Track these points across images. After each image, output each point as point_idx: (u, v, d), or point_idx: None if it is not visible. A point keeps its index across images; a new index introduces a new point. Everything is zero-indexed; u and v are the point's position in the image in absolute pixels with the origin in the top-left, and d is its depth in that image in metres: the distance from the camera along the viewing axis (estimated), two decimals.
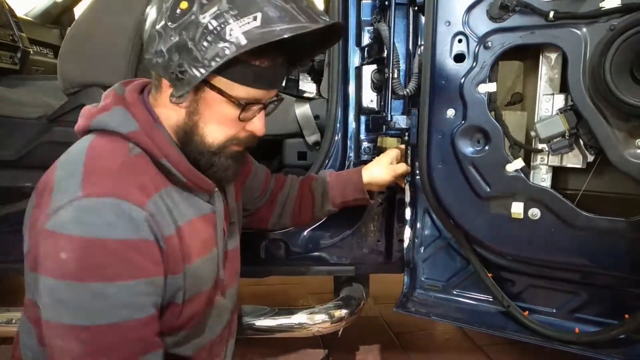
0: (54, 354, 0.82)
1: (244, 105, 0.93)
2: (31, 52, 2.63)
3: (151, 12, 0.90)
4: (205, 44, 0.83)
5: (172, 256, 0.90)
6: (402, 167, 1.38)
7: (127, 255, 0.82)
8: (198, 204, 1.00)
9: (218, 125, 0.95)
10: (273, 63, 0.92)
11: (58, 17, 3.15)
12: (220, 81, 0.90)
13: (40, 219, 0.83)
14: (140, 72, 1.70)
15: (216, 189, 1.03)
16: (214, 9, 0.83)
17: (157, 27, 0.87)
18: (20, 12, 2.82)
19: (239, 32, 0.82)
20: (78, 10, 3.20)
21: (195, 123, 0.94)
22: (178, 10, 0.84)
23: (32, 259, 0.85)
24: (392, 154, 1.38)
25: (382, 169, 1.36)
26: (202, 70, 0.85)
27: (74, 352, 0.80)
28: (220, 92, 0.90)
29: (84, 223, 0.79)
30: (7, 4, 2.55)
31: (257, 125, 0.99)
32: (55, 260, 0.80)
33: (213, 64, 0.84)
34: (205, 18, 0.83)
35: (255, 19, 0.83)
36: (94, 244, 0.79)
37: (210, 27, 0.83)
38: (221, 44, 0.83)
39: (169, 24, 0.85)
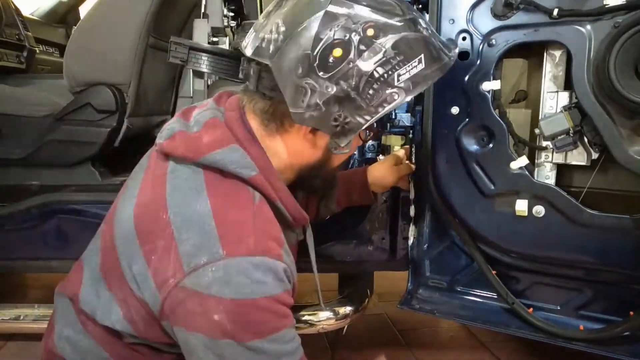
0: None
1: (373, 130, 0.96)
2: (37, 51, 2.64)
3: (286, 60, 0.81)
4: (370, 92, 0.81)
5: (293, 296, 0.91)
6: (406, 169, 1.37)
7: (277, 308, 0.82)
8: (292, 235, 1.02)
9: (346, 154, 0.96)
10: None
11: (64, 16, 3.16)
12: None
13: (169, 273, 0.81)
14: (145, 69, 1.71)
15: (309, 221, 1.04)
16: (379, 56, 0.80)
17: (306, 78, 0.80)
18: (26, 12, 2.84)
19: (407, 77, 0.82)
20: (83, 9, 3.22)
21: (330, 157, 0.94)
22: (331, 59, 0.79)
23: (164, 312, 0.83)
24: (397, 155, 1.38)
25: (386, 171, 1.36)
26: (367, 117, 0.83)
27: None
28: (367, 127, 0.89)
29: (234, 284, 0.78)
30: (13, 3, 2.56)
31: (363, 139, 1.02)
32: (208, 320, 0.79)
33: (380, 109, 0.83)
34: (369, 66, 0.80)
35: (419, 61, 0.83)
36: (246, 305, 0.79)
37: (377, 75, 0.81)
38: (389, 90, 0.82)
39: (321, 74, 0.79)
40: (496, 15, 1.19)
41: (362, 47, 0.79)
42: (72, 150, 1.65)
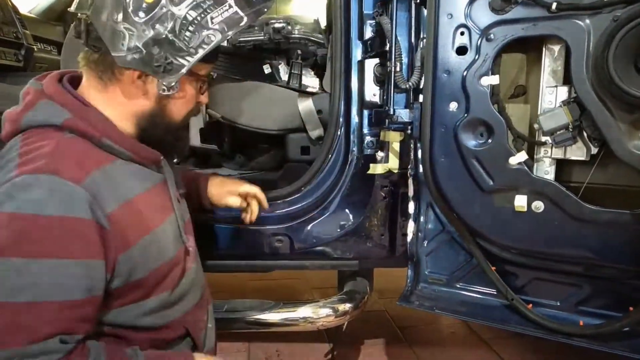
0: None
1: (207, 81, 1.02)
2: (35, 49, 2.63)
3: (103, 9, 0.87)
4: (187, 34, 0.89)
5: (120, 232, 0.88)
6: (235, 203, 1.33)
7: (57, 233, 0.80)
8: (148, 175, 1.01)
9: (184, 104, 1.01)
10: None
11: (62, 14, 3.14)
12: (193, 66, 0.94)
13: None
14: None
15: (162, 158, 1.04)
16: (189, 1, 0.88)
17: (122, 23, 0.86)
18: (24, 9, 2.83)
19: (219, 19, 0.90)
20: None
21: (163, 106, 0.98)
22: (144, 5, 0.86)
23: None
24: (249, 192, 1.33)
25: (222, 194, 1.33)
26: (189, 59, 0.91)
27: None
28: (193, 74, 0.97)
29: (15, 199, 0.78)
30: (10, 1, 2.55)
31: (205, 96, 1.08)
32: None
33: (200, 51, 0.91)
34: (182, 10, 0.88)
35: (230, 5, 0.91)
36: (23, 219, 0.77)
37: (190, 18, 0.88)
38: (205, 32, 0.90)
39: (137, 18, 0.86)
40: (494, 10, 1.18)
41: None
42: None
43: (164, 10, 0.87)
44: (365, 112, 1.51)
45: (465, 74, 1.22)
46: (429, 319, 2.16)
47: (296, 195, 1.55)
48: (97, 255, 0.84)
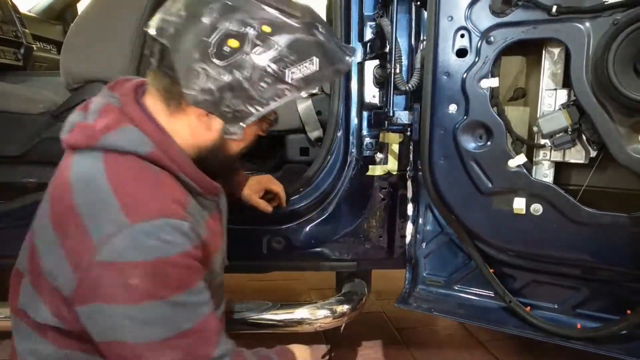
0: None
1: (271, 122, 1.03)
2: (34, 48, 2.63)
3: (184, 43, 0.85)
4: (263, 84, 0.87)
5: (205, 252, 0.96)
6: (260, 205, 1.44)
7: (188, 264, 0.87)
8: (208, 205, 1.05)
9: (244, 141, 1.01)
10: None
11: (61, 13, 3.15)
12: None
13: (83, 253, 0.83)
14: (143, 67, 1.70)
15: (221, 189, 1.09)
16: (273, 53, 0.85)
17: (200, 63, 0.84)
18: (23, 8, 2.83)
19: (299, 76, 0.88)
20: (81, 6, 3.20)
21: (224, 142, 0.98)
22: (227, 48, 0.84)
23: (80, 293, 0.85)
24: (278, 191, 1.47)
25: (254, 192, 1.43)
26: (259, 108, 0.89)
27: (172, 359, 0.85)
28: (258, 119, 0.94)
29: (144, 247, 0.82)
30: (10, 0, 2.55)
31: (264, 128, 1.07)
32: (126, 287, 0.81)
33: (272, 103, 0.89)
34: (263, 61, 0.85)
35: (312, 63, 0.88)
36: (159, 264, 0.83)
37: (270, 70, 0.86)
38: (281, 86, 0.88)
39: (216, 61, 0.84)
40: (495, 12, 1.18)
41: (258, 42, 0.84)
42: None
43: (245, 57, 0.85)
44: (365, 114, 1.51)
45: (465, 76, 1.22)
46: (427, 321, 2.16)
47: (295, 196, 1.55)
48: (205, 270, 0.95)
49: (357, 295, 1.62)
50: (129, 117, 0.92)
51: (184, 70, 0.86)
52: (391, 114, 1.36)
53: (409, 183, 1.47)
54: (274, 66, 0.86)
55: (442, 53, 1.24)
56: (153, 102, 0.95)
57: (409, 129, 1.38)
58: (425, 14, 1.27)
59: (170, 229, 0.84)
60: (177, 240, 0.85)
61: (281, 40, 0.85)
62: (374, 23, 1.47)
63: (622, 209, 1.14)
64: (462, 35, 1.22)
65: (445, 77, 1.24)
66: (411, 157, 1.44)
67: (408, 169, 1.48)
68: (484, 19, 1.20)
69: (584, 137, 1.16)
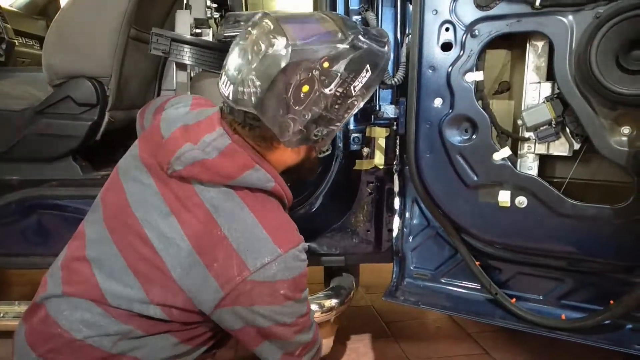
0: (300, 344, 1.08)
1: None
2: (16, 43, 2.59)
3: (269, 107, 0.97)
4: (337, 107, 1.01)
5: None
6: None
7: (306, 280, 1.07)
8: None
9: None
10: None
11: (44, 8, 3.11)
12: None
13: (232, 273, 0.98)
14: (126, 61, 1.69)
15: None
16: (337, 80, 0.99)
17: (287, 116, 0.98)
18: (5, 3, 2.78)
19: (360, 86, 1.02)
20: (64, 1, 3.16)
21: (309, 154, 1.15)
22: (302, 95, 0.97)
23: (227, 301, 0.99)
24: None
25: None
26: (338, 124, 1.05)
27: (309, 331, 1.10)
28: None
29: (292, 268, 1.01)
30: None
31: None
32: (276, 296, 1.00)
33: (346, 115, 1.05)
34: (332, 90, 0.99)
35: (367, 71, 1.02)
36: (301, 276, 1.03)
37: (338, 94, 1.00)
38: (350, 100, 1.02)
39: (297, 107, 0.98)
40: (479, 6, 1.19)
41: (323, 78, 0.97)
42: (53, 144, 1.62)
43: (318, 94, 0.98)
44: None
45: (450, 70, 1.22)
46: (415, 314, 2.17)
47: None
48: None
49: (346, 290, 1.62)
50: (254, 160, 1.06)
51: (276, 127, 1.00)
52: (377, 108, 1.36)
53: (396, 177, 1.47)
54: (340, 89, 1.00)
55: (427, 47, 1.24)
56: (246, 145, 1.07)
57: (395, 123, 1.38)
58: (410, 7, 1.27)
59: (303, 249, 1.05)
60: (306, 259, 1.05)
61: (340, 67, 0.98)
62: (359, 17, 1.46)
63: (606, 201, 1.15)
64: (447, 29, 1.22)
65: (430, 71, 1.24)
66: (397, 151, 1.44)
67: (395, 163, 1.48)
68: (469, 12, 1.20)
69: (568, 130, 1.17)
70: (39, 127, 1.61)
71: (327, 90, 0.98)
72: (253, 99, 0.97)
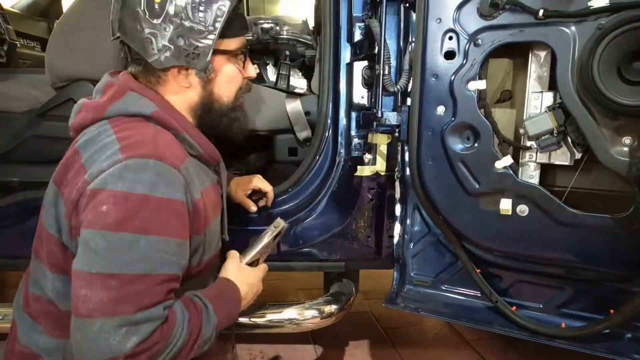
0: (77, 304, 0.84)
1: (244, 56, 1.07)
2: (18, 45, 2.58)
3: (127, 24, 0.95)
4: (200, 14, 0.94)
5: (197, 219, 0.97)
6: (245, 203, 1.45)
7: (164, 213, 0.88)
8: (209, 173, 1.10)
9: (228, 84, 1.07)
10: (239, 7, 1.05)
11: (46, 10, 3.11)
12: (220, 43, 1.01)
13: (76, 189, 0.89)
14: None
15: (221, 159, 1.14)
16: None
17: (145, 31, 0.94)
18: (6, 4, 2.78)
19: None
20: (66, 3, 3.16)
21: (210, 91, 1.05)
22: (156, 6, 0.93)
23: (67, 233, 0.91)
24: (266, 190, 1.48)
25: (237, 188, 1.45)
26: (211, 37, 0.96)
27: (98, 299, 0.82)
28: (225, 52, 1.03)
29: (127, 179, 0.86)
30: None
31: (251, 69, 1.12)
32: (95, 213, 0.85)
33: (217, 24, 0.96)
34: None
35: None
36: (134, 198, 0.85)
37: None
38: (215, 5, 0.95)
39: (155, 21, 0.93)
40: (482, 15, 1.19)
41: None
42: (54, 147, 1.61)
43: (174, 2, 0.93)
44: (353, 115, 1.52)
45: (452, 78, 1.23)
46: (413, 320, 2.17)
47: (283, 197, 1.55)
48: (187, 236, 0.94)
49: (345, 296, 1.62)
50: (130, 87, 0.99)
51: (139, 46, 0.95)
52: (379, 115, 1.36)
53: (397, 184, 1.48)
54: None
55: (430, 55, 1.24)
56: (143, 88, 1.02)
57: (397, 130, 1.39)
58: (414, 15, 1.28)
59: (158, 171, 0.88)
60: (161, 184, 0.87)
61: None
62: (363, 24, 1.47)
63: (606, 210, 1.16)
64: (451, 38, 1.23)
65: (433, 79, 1.25)
66: (399, 157, 1.45)
67: (396, 169, 1.48)
68: (472, 21, 1.20)
69: (569, 140, 1.18)
70: (40, 130, 1.62)
71: None
72: (116, 22, 0.98)
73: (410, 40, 1.35)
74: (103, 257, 0.84)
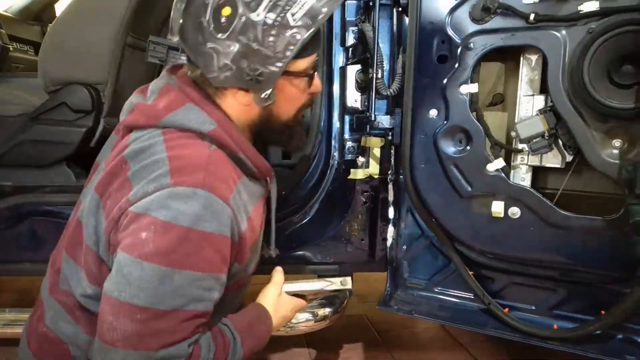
0: (102, 330, 0.81)
1: (312, 75, 0.96)
2: (11, 48, 2.58)
3: (188, 32, 0.86)
4: (271, 39, 0.83)
5: (242, 249, 0.92)
6: None
7: (205, 248, 0.82)
8: (259, 188, 1.03)
9: (290, 102, 0.98)
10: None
11: (39, 14, 3.09)
12: (290, 65, 0.90)
13: (118, 206, 0.84)
14: (123, 69, 1.69)
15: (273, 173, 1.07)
16: (265, 3, 0.82)
17: (207, 44, 0.84)
18: None
19: (301, 14, 0.83)
20: (59, 7, 3.15)
21: (270, 111, 0.96)
22: (223, 19, 0.83)
23: (104, 248, 0.87)
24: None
25: None
26: (279, 64, 0.86)
27: (123, 330, 0.79)
28: (292, 73, 0.92)
29: (171, 208, 0.80)
30: None
31: (317, 83, 1.02)
32: (134, 238, 0.80)
33: (288, 53, 0.85)
34: (260, 15, 0.82)
35: None
36: (176, 230, 0.79)
37: (270, 22, 0.83)
38: (289, 32, 0.84)
39: (219, 35, 0.83)
40: (474, 19, 1.20)
41: (247, 0, 0.82)
42: (47, 151, 1.61)
43: (243, 19, 0.82)
44: (347, 118, 1.52)
45: (445, 82, 1.24)
46: (407, 323, 2.17)
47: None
48: (225, 271, 0.88)
49: (339, 299, 1.62)
50: (190, 98, 0.91)
51: (199, 58, 0.86)
52: (373, 119, 1.37)
53: (390, 187, 1.48)
54: (271, 15, 0.82)
55: (423, 59, 1.25)
56: (202, 92, 0.95)
57: (390, 133, 1.39)
58: (407, 19, 1.29)
59: (206, 203, 0.81)
60: (206, 217, 0.81)
61: None
62: (356, 28, 1.48)
63: (597, 212, 1.17)
64: (443, 42, 1.24)
65: (426, 83, 1.26)
66: (392, 161, 1.45)
67: (389, 172, 1.49)
68: (465, 25, 1.21)
69: (561, 142, 1.19)
70: (33, 133, 1.61)
71: (254, 16, 0.82)
72: (176, 25, 0.87)
73: (402, 44, 1.35)
74: (134, 287, 0.79)
